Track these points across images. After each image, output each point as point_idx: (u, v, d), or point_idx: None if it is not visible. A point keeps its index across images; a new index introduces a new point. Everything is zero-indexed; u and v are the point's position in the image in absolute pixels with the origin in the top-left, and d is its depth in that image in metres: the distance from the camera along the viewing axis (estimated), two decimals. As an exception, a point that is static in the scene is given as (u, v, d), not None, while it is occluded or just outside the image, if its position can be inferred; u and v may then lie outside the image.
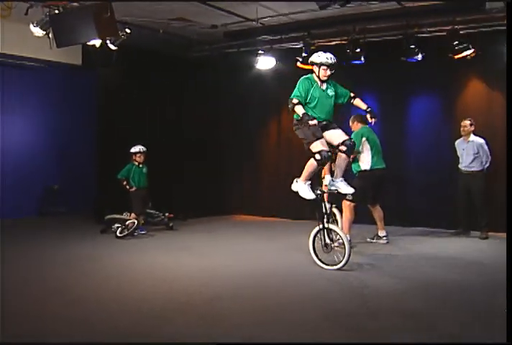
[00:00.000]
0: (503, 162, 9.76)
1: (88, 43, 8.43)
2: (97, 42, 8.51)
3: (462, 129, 9.56)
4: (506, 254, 4.91)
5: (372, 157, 8.63)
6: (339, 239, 7.15)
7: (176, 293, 5.92)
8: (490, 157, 9.48)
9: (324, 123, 6.96)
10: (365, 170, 8.67)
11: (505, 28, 9.06)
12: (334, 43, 10.56)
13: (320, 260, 7.14)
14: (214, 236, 9.96)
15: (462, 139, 9.65)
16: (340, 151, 6.99)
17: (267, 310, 5.31)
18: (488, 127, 9.86)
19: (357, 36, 10.03)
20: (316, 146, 6.76)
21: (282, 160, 12.53)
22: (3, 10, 8.43)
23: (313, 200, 7.16)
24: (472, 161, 9.43)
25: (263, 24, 10.22)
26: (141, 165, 10.06)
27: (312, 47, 10.41)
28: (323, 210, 7.22)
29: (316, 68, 6.95)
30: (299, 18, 9.96)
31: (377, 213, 8.95)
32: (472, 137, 9.52)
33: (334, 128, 7.04)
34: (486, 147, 9.46)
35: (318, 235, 7.22)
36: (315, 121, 6.64)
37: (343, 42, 10.26)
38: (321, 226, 7.17)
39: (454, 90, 10.51)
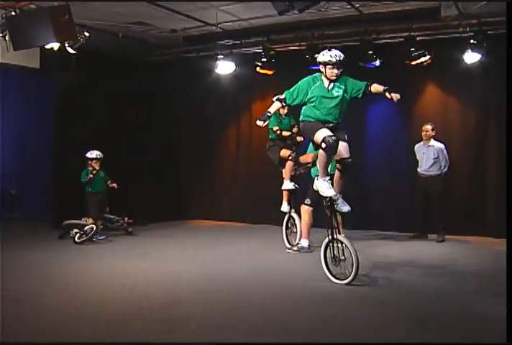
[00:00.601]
0: (460, 167, 10.00)
1: (45, 46, 8.32)
2: (55, 45, 8.39)
3: (423, 133, 9.71)
4: (506, 254, 5.02)
5: (331, 161, 8.67)
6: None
7: (135, 298, 5.87)
8: (448, 162, 9.65)
9: (331, 125, 6.46)
10: None
11: (459, 35, 9.33)
12: (293, 48, 10.66)
13: (332, 275, 6.60)
14: (174, 241, 9.90)
15: (421, 143, 9.80)
16: (337, 168, 6.66)
17: (227, 314, 5.31)
18: (444, 132, 10.05)
19: (315, 41, 10.13)
20: (320, 134, 6.26)
21: (241, 165, 12.56)
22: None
23: (329, 198, 6.55)
24: (432, 165, 9.59)
25: (223, 28, 10.24)
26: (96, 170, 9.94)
27: (271, 52, 10.48)
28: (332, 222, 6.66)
29: (322, 68, 6.46)
30: (259, 23, 9.99)
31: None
32: (433, 142, 9.68)
33: (341, 140, 6.35)
34: (446, 152, 9.63)
35: (329, 247, 6.67)
36: (260, 122, 6.52)
37: (302, 47, 10.36)
38: (330, 237, 6.65)
39: (411, 95, 10.64)
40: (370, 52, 9.75)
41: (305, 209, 8.54)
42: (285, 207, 8.94)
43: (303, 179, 8.99)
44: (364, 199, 10.84)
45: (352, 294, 6.05)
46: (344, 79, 6.56)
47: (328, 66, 6.38)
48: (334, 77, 6.43)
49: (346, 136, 6.48)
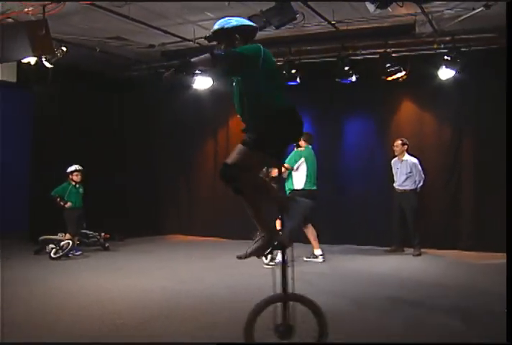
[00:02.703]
0: (436, 181, 10.10)
1: (22, 60, 8.31)
2: (32, 60, 8.40)
3: (394, 148, 9.82)
4: (506, 255, 5.07)
5: (307, 177, 8.77)
6: None
7: (111, 315, 5.81)
8: (423, 176, 9.73)
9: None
10: (298, 190, 8.78)
11: (434, 52, 9.46)
12: (270, 64, 10.70)
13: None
14: (151, 257, 9.85)
15: (397, 158, 9.89)
16: None
17: (202, 330, 5.27)
18: (420, 147, 10.17)
19: (292, 57, 10.20)
20: None
21: (218, 181, 12.49)
22: None
23: None
24: (405, 180, 9.67)
25: (200, 44, 10.26)
26: (77, 185, 9.93)
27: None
28: None
29: None
30: (236, 39, 10.02)
31: (311, 232, 8.99)
32: (406, 156, 9.77)
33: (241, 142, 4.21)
34: (419, 167, 9.71)
35: None
36: None
37: (279, 62, 10.40)
38: None
39: (387, 111, 10.77)
40: (346, 67, 9.82)
41: (279, 224, 8.53)
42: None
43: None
44: (341, 214, 10.87)
45: (324, 309, 6.05)
46: None
47: None
48: None
49: (248, 139, 4.20)
